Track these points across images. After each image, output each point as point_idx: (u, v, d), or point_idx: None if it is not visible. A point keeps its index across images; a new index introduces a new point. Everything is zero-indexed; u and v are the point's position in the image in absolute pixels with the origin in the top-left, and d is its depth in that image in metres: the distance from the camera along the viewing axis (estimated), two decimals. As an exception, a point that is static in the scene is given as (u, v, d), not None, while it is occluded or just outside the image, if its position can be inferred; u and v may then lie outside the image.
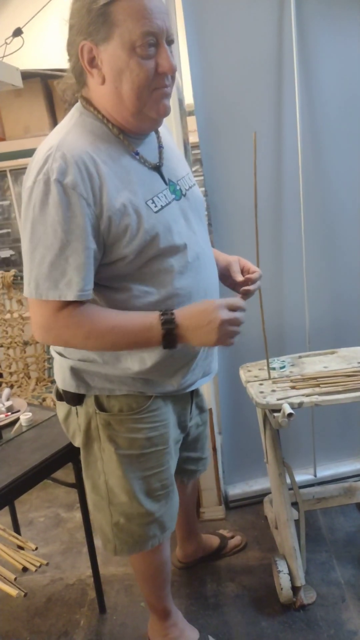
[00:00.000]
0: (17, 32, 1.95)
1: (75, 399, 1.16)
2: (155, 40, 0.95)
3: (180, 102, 1.67)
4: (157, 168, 1.08)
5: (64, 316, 0.99)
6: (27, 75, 2.48)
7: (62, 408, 1.23)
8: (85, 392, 1.14)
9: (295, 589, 1.56)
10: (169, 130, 1.26)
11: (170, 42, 0.99)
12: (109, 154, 1.00)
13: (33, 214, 0.95)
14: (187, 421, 1.31)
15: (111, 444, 1.16)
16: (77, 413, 1.19)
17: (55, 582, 1.81)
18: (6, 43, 1.93)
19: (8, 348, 2.68)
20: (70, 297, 0.96)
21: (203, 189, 1.75)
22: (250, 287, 1.19)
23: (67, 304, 0.99)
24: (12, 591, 0.89)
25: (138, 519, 1.22)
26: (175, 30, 1.60)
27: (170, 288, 1.07)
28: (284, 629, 1.52)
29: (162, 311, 1.02)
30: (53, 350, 1.20)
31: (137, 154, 1.05)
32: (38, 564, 0.95)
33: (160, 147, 1.12)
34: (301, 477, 2.03)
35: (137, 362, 1.10)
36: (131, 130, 1.04)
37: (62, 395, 1.20)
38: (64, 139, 0.98)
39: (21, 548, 1.04)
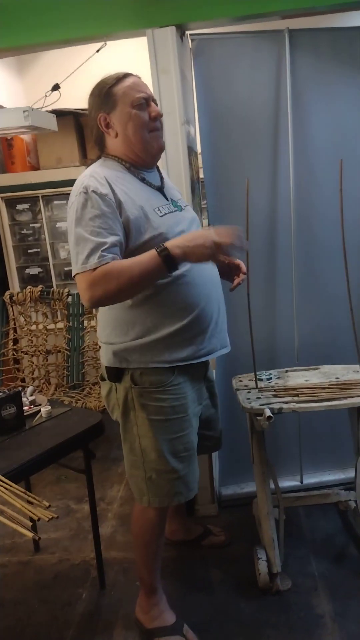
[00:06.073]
0: (55, 87, 2.27)
1: (116, 376, 1.49)
2: (145, 101, 1.42)
3: (190, 149, 1.96)
4: (160, 189, 1.51)
5: (97, 273, 1.30)
6: (61, 113, 2.81)
7: (105, 387, 1.57)
8: (126, 366, 1.46)
9: (272, 576, 1.76)
10: (168, 176, 1.69)
11: (154, 102, 1.45)
12: (124, 179, 1.42)
13: (76, 216, 1.33)
14: (202, 398, 1.62)
15: (143, 411, 1.47)
16: (116, 389, 1.51)
17: (63, 561, 2.04)
18: (45, 96, 2.25)
19: (32, 356, 2.96)
20: (102, 263, 1.30)
21: (206, 220, 2.02)
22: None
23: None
24: (29, 533, 1.12)
25: (166, 474, 1.50)
26: (192, 90, 1.91)
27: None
28: (260, 609, 1.72)
29: (158, 245, 1.33)
30: (101, 342, 1.54)
31: (144, 179, 1.47)
32: (50, 516, 1.18)
33: (162, 178, 1.56)
34: (288, 482, 2.24)
35: (167, 327, 1.43)
36: (139, 164, 1.46)
37: (104, 377, 1.55)
38: (93, 171, 1.40)
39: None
